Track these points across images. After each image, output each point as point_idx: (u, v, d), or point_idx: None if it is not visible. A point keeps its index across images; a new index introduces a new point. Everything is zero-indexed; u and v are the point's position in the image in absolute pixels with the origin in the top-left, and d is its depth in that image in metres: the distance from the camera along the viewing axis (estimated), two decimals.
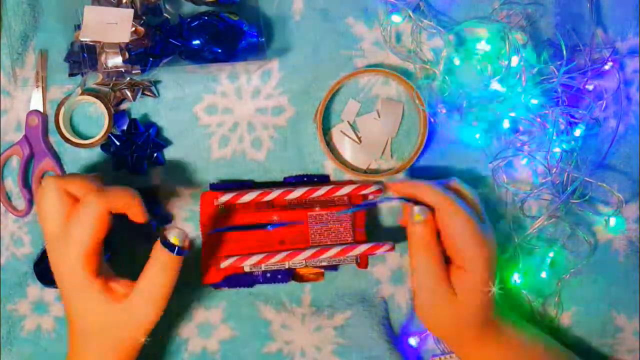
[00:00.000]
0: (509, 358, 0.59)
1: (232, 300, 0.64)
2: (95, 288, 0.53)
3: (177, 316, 0.64)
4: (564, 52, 0.62)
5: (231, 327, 0.64)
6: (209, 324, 0.64)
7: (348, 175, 0.64)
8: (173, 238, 0.52)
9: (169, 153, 0.64)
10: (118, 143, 0.62)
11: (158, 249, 0.53)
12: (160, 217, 0.63)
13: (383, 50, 0.64)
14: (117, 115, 0.63)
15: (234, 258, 0.59)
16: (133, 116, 0.63)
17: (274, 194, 0.60)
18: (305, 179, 0.63)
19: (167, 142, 0.64)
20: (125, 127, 0.62)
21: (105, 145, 0.62)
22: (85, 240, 0.51)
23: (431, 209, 0.57)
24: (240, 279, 0.61)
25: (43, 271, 0.61)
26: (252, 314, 0.64)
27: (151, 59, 0.59)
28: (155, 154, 0.62)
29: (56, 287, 0.62)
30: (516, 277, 0.64)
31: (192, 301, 0.64)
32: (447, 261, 0.57)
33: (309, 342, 0.65)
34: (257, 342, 0.64)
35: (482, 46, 0.64)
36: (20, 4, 0.62)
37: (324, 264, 0.61)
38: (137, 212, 0.54)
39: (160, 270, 0.53)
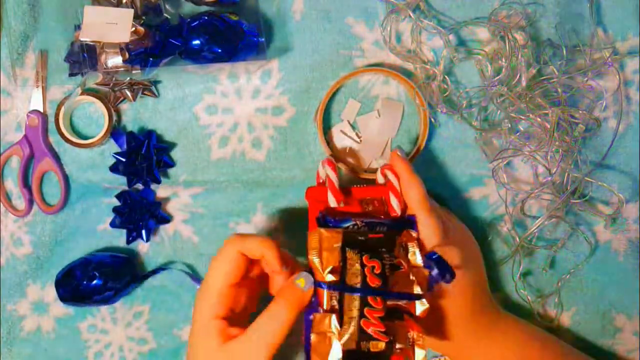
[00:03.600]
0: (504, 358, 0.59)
1: None
2: (212, 329, 0.51)
3: (177, 319, 0.64)
4: (564, 52, 0.62)
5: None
6: None
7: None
8: (299, 280, 0.51)
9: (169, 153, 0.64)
10: (124, 159, 0.62)
11: (287, 287, 0.51)
12: (159, 219, 0.63)
13: (383, 50, 0.64)
14: (114, 135, 0.63)
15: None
16: (132, 117, 0.63)
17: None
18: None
19: (168, 144, 0.64)
20: (125, 144, 0.62)
21: (115, 167, 0.62)
22: (218, 281, 0.52)
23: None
24: None
25: (65, 289, 0.62)
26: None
27: (151, 59, 0.59)
28: (162, 159, 0.62)
29: (75, 305, 0.63)
30: (516, 277, 0.65)
31: (192, 304, 0.64)
32: None
33: None
34: None
35: (482, 46, 0.64)
36: (20, 4, 0.62)
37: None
38: (271, 262, 0.52)
39: (283, 307, 0.51)
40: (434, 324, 0.56)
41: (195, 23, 0.59)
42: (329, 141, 0.64)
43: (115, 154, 0.62)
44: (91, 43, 0.58)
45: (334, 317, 0.50)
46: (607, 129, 0.65)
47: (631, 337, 0.66)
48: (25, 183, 0.63)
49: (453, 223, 0.60)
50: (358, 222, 0.54)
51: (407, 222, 0.55)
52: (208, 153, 0.64)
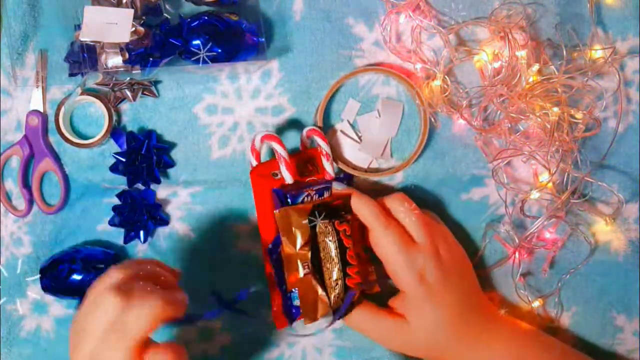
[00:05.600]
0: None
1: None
2: None
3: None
4: (564, 52, 0.62)
5: (232, 335, 0.64)
6: (210, 329, 0.64)
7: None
8: None
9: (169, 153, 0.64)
10: (124, 159, 0.62)
11: None
12: (158, 220, 0.63)
13: (383, 50, 0.64)
14: (114, 135, 0.63)
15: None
16: (132, 117, 0.63)
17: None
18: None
19: (169, 144, 0.64)
20: (125, 144, 0.62)
21: (115, 167, 0.62)
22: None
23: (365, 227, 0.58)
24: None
25: (49, 280, 0.61)
26: (252, 321, 0.64)
27: (151, 59, 0.59)
28: (162, 159, 0.62)
29: (58, 296, 0.63)
30: (516, 278, 0.65)
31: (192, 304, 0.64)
32: None
33: (309, 345, 0.64)
34: (258, 349, 0.64)
35: (482, 46, 0.64)
36: (20, 4, 0.62)
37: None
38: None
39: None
40: (422, 330, 0.57)
41: (195, 23, 0.59)
42: (329, 141, 0.64)
43: (115, 154, 0.62)
44: (91, 43, 0.58)
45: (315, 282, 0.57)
46: (607, 129, 0.65)
47: (631, 337, 0.66)
48: (25, 183, 0.63)
49: (438, 227, 0.61)
50: (310, 192, 0.58)
51: (342, 180, 0.61)
52: (208, 153, 0.64)
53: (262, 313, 0.63)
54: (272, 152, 0.61)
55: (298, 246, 0.56)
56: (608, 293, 0.66)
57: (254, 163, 0.60)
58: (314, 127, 0.61)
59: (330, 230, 0.57)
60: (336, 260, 0.57)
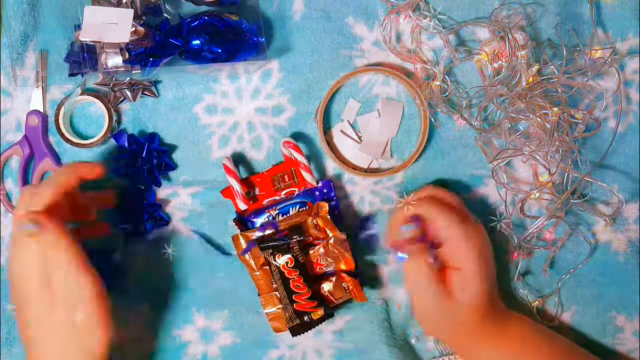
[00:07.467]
0: (514, 355, 0.59)
1: (234, 309, 0.64)
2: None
3: (177, 319, 0.64)
4: (564, 52, 0.62)
5: (233, 335, 0.64)
6: (211, 329, 0.64)
7: (348, 175, 0.64)
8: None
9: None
10: (125, 162, 0.62)
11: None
12: (158, 219, 0.63)
13: (383, 51, 0.64)
14: (114, 135, 0.63)
15: None
16: (132, 117, 0.63)
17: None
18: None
19: (169, 147, 0.64)
20: (125, 144, 0.62)
21: (115, 169, 0.62)
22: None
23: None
24: None
25: None
26: (253, 322, 0.64)
27: (151, 59, 0.59)
28: (162, 161, 0.62)
29: None
30: (515, 278, 0.65)
31: (192, 305, 0.64)
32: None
33: (309, 347, 0.64)
34: (259, 350, 0.64)
35: (482, 46, 0.64)
36: (20, 4, 0.62)
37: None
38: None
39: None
40: (444, 323, 0.57)
41: (195, 23, 0.59)
42: (329, 141, 0.64)
43: (116, 156, 0.62)
44: (91, 43, 0.58)
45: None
46: (607, 129, 0.65)
47: (631, 337, 0.66)
48: (25, 183, 0.63)
49: (474, 226, 0.60)
50: (272, 212, 0.61)
51: (320, 190, 0.62)
52: (208, 153, 0.64)
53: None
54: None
55: (256, 268, 0.60)
56: (608, 293, 0.66)
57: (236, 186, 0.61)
58: (289, 139, 0.61)
59: (272, 261, 0.59)
60: (281, 288, 0.59)
